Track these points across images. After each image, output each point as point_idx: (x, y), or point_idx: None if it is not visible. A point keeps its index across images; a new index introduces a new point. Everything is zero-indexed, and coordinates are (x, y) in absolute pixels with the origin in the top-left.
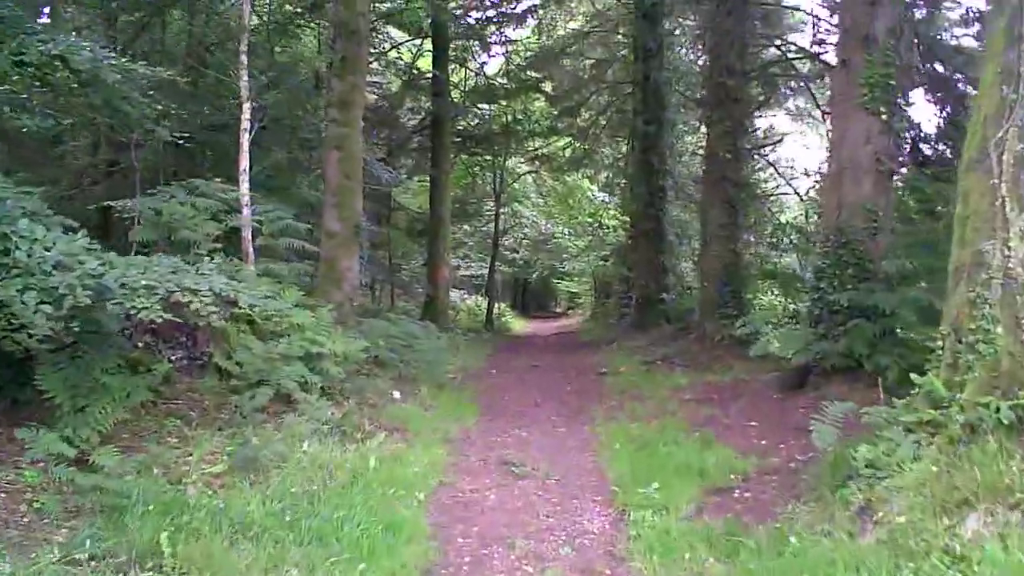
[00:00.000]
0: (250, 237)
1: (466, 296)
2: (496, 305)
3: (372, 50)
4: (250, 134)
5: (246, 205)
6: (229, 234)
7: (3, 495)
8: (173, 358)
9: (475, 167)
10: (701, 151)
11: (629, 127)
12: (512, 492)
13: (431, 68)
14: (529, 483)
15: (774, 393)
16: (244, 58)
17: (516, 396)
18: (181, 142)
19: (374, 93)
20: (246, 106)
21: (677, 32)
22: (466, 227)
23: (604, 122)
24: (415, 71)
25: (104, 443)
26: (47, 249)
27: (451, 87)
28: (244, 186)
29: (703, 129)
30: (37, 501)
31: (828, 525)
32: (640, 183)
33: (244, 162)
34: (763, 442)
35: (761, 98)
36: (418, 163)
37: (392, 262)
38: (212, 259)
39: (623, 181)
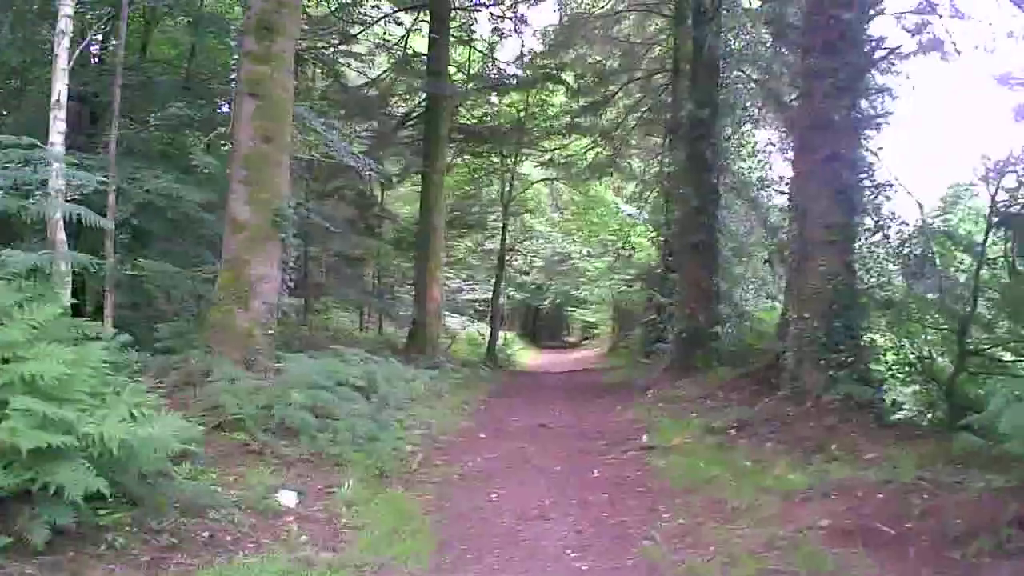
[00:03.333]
0: (58, 214)
1: (468, 323)
2: (501, 334)
3: (358, 24)
4: (73, 41)
5: (58, 161)
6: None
7: None
8: None
9: (479, 171)
10: (768, 145)
11: (666, 121)
12: None
13: (427, 42)
14: None
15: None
16: None
17: (510, 494)
18: None
19: (358, 71)
20: None
21: None
22: (468, 243)
23: (634, 122)
24: (409, 50)
25: None
26: None
27: (453, 69)
28: (57, 130)
29: (766, 121)
30: None
31: None
32: (687, 182)
33: (59, 89)
34: None
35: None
36: (410, 164)
37: (380, 281)
38: None
39: (654, 192)
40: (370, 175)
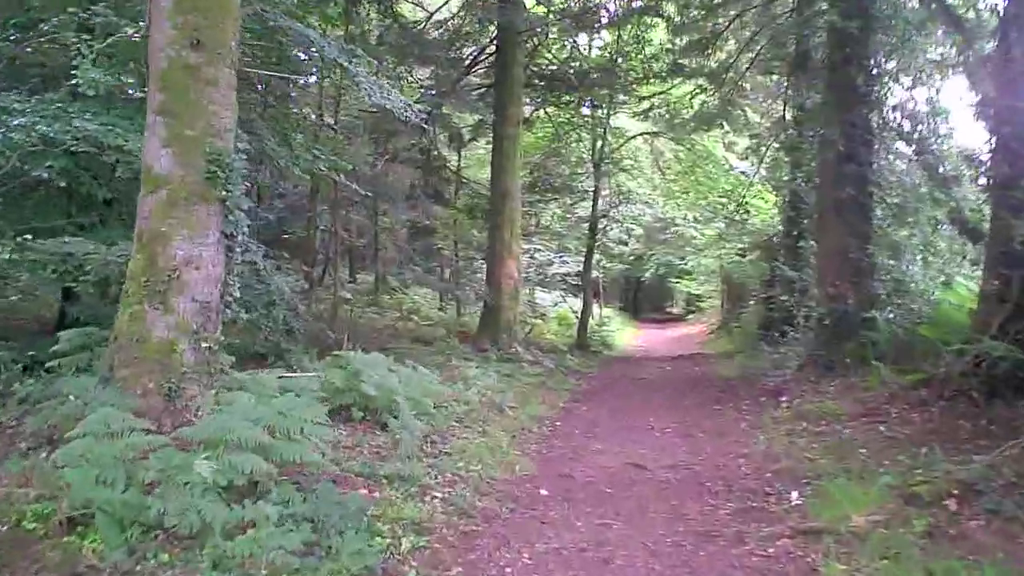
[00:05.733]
0: None
1: (560, 300)
2: (597, 310)
3: None
4: None
5: None
6: None
7: None
8: None
9: (565, 125)
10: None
11: (790, 55)
12: None
13: None
14: None
15: None
16: None
17: None
18: None
19: (415, 3)
20: None
21: None
22: (556, 209)
23: (747, 63)
24: None
25: None
26: None
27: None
28: None
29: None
30: None
31: None
32: (830, 121)
33: None
34: None
35: None
36: (483, 120)
37: (458, 258)
38: None
39: (772, 145)
40: (425, 127)
